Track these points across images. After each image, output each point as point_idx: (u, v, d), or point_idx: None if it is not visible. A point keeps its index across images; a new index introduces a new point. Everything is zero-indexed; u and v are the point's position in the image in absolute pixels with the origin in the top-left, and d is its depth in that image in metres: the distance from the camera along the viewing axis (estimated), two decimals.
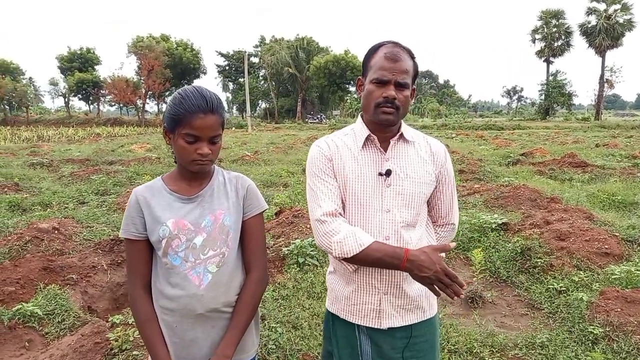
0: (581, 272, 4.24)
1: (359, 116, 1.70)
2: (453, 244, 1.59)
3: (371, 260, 1.48)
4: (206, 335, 1.48)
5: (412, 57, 1.58)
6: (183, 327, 1.46)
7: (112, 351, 3.00)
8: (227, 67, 69.30)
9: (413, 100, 1.65)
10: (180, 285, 1.45)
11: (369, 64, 1.59)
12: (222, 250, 1.49)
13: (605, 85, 48.71)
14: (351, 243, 1.48)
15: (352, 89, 54.53)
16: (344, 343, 1.67)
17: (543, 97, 54.41)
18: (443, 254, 1.49)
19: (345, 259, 1.52)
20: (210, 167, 1.50)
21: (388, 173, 1.58)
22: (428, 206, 1.73)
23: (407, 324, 1.62)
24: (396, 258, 1.44)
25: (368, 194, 1.58)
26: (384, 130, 1.61)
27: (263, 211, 1.60)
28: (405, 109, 1.57)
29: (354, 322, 1.64)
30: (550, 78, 53.69)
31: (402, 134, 1.63)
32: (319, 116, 57.21)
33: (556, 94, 51.73)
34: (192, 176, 1.50)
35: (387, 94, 1.52)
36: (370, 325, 1.61)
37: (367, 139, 1.62)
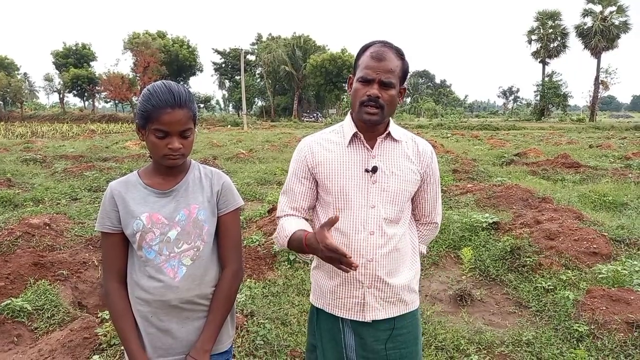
0: (569, 271, 4.28)
1: (349, 114, 1.72)
2: (338, 215, 1.41)
3: (294, 248, 1.57)
4: (181, 326, 1.50)
5: (402, 57, 1.59)
6: (158, 317, 1.48)
7: (101, 346, 3.01)
8: (223, 65, 69.00)
9: (403, 100, 1.67)
10: (156, 277, 1.47)
11: (357, 63, 1.61)
12: (197, 244, 1.52)
13: (601, 86, 48.85)
14: (282, 236, 1.59)
15: None
16: (328, 336, 1.70)
17: (538, 97, 54.59)
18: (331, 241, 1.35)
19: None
20: (183, 162, 1.51)
21: (374, 170, 1.61)
22: (412, 204, 1.76)
23: (390, 316, 1.66)
24: (302, 244, 1.49)
25: (354, 189, 1.61)
26: (371, 129, 1.63)
27: (238, 207, 1.62)
28: (390, 107, 1.58)
29: (338, 315, 1.67)
30: (546, 79, 53.82)
31: (389, 133, 1.65)
32: (315, 114, 57.09)
33: (551, 95, 51.90)
34: (167, 171, 1.52)
35: (370, 92, 1.54)
36: (354, 318, 1.65)
37: (354, 136, 1.64)
